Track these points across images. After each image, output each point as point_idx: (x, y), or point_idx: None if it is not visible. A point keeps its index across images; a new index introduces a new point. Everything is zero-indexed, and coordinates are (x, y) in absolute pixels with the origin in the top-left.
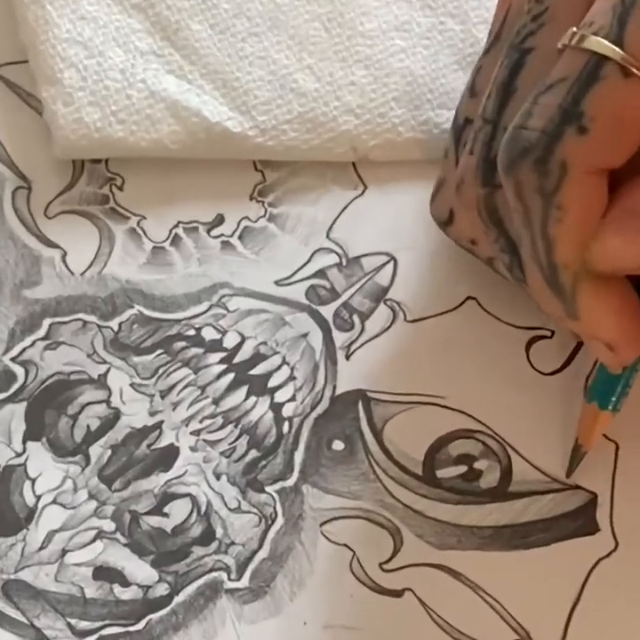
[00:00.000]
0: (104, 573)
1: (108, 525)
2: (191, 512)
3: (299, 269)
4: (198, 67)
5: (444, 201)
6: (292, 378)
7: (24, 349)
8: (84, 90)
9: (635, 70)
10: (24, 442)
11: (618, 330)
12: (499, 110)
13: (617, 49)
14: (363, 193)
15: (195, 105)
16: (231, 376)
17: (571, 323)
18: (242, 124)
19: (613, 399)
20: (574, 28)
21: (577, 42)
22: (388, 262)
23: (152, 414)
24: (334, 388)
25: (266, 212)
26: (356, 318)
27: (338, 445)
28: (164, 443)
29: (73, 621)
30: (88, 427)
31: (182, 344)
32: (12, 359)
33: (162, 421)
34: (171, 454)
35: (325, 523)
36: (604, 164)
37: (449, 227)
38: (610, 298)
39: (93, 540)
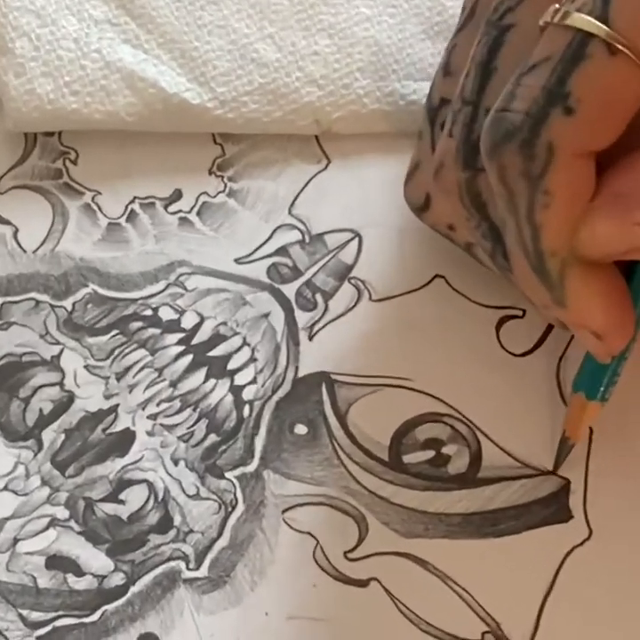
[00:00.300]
0: (57, 562)
1: (62, 513)
2: (148, 499)
3: (259, 247)
4: (155, 36)
5: (419, 185)
6: (252, 359)
7: None
8: (36, 60)
9: (621, 47)
10: None
11: (606, 317)
12: (479, 91)
13: (602, 25)
14: (326, 167)
15: (151, 76)
16: (189, 357)
17: (558, 311)
18: (200, 96)
19: (601, 389)
20: (557, 5)
21: (560, 19)
22: (352, 239)
23: (107, 397)
24: (297, 369)
25: (225, 187)
26: (319, 297)
27: (300, 429)
28: (119, 427)
29: (25, 612)
30: (41, 410)
31: (139, 324)
32: None
33: (117, 405)
34: (127, 439)
35: (287, 510)
36: (591, 145)
37: (425, 212)
38: (598, 284)
39: (46, 528)
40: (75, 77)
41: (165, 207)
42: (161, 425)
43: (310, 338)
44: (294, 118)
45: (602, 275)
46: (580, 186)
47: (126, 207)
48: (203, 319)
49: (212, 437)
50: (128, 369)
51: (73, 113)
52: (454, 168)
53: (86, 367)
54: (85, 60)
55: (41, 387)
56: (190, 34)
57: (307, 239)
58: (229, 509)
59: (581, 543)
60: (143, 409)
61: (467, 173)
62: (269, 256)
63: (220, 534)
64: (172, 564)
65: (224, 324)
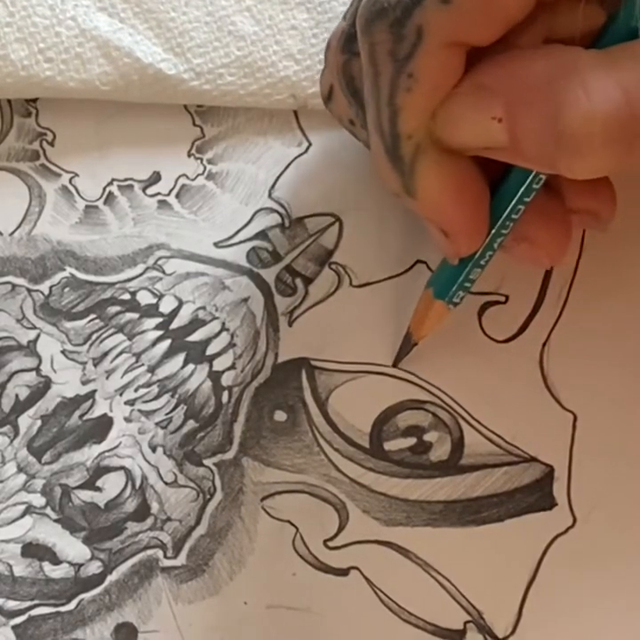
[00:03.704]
0: (33, 550)
1: (38, 500)
2: (125, 486)
3: (239, 230)
4: (131, 5)
5: (327, 74)
6: (231, 345)
7: None
8: (10, 26)
9: None
10: None
11: (454, 214)
12: None
13: None
14: (307, 150)
15: (127, 45)
16: (168, 343)
17: (408, 201)
18: (176, 67)
19: (451, 290)
20: None
21: None
22: (332, 223)
23: (84, 383)
24: (276, 355)
25: (204, 169)
26: (299, 282)
27: (280, 416)
28: (96, 413)
29: (0, 601)
30: (17, 396)
31: (116, 309)
32: None
33: (95, 390)
34: (104, 425)
35: (267, 497)
36: (463, 37)
37: (329, 103)
38: (450, 177)
39: (22, 516)
40: (49, 44)
41: (144, 190)
42: (139, 411)
43: (290, 323)
44: (271, 92)
45: (456, 169)
46: (445, 75)
47: (104, 189)
48: (181, 304)
49: (191, 424)
50: (105, 354)
51: (47, 80)
52: (336, 50)
53: (63, 352)
54: (60, 28)
55: (17, 372)
56: (167, 4)
57: (287, 223)
58: (208, 497)
59: (565, 531)
60: (121, 395)
61: (344, 56)
62: (249, 240)
63: (198, 522)
64: (150, 552)
65: (203, 308)
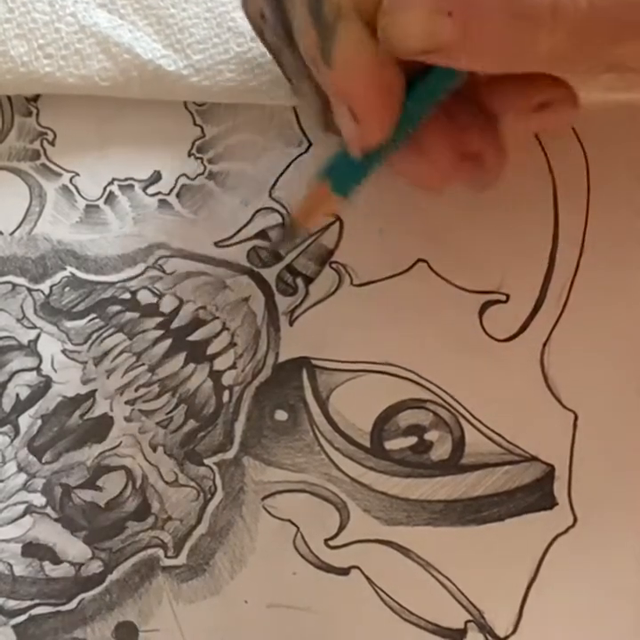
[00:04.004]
0: (34, 550)
1: (39, 499)
2: (126, 485)
3: (240, 230)
4: (131, 1)
5: None
6: (232, 344)
7: None
8: (10, 22)
9: None
10: None
11: (367, 93)
12: None
13: None
14: (307, 149)
15: (126, 41)
16: (168, 342)
17: (323, 69)
18: (176, 63)
19: (351, 186)
20: None
21: None
22: (333, 223)
23: (85, 382)
24: (277, 355)
25: (205, 169)
26: (299, 282)
27: (281, 415)
28: (97, 412)
29: (1, 600)
30: (17, 395)
31: (117, 308)
32: None
33: (95, 390)
34: (104, 424)
35: (268, 497)
36: None
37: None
38: (368, 51)
39: (23, 515)
40: (49, 40)
41: (144, 189)
42: (139, 410)
43: (291, 323)
44: (270, 88)
45: (374, 48)
46: None
47: (105, 189)
48: (182, 303)
49: (191, 423)
50: (106, 353)
51: (46, 76)
52: None
53: (64, 351)
54: (60, 24)
55: (18, 371)
56: (167, 0)
57: (287, 222)
58: (208, 496)
59: (566, 531)
60: (121, 394)
61: None
62: (250, 239)
63: (198, 521)
64: (151, 551)
65: (203, 308)
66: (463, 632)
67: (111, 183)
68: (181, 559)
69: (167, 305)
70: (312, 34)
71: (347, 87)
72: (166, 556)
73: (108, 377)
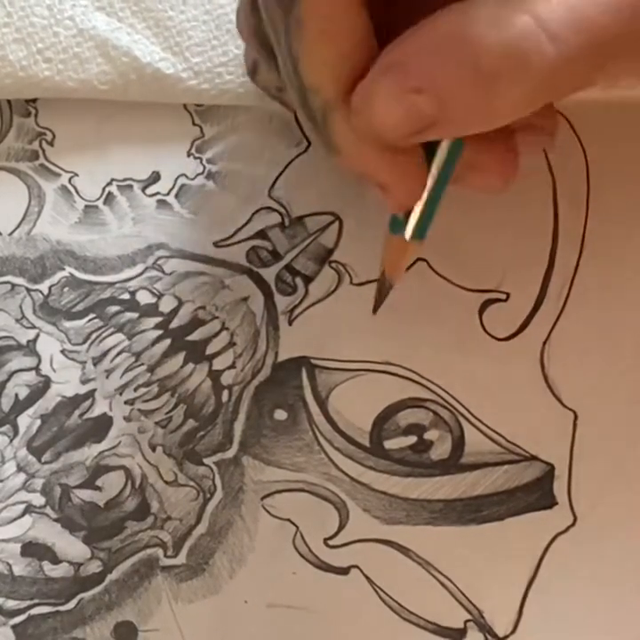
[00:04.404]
0: (33, 550)
1: (38, 499)
2: (125, 485)
3: (239, 230)
4: (129, 4)
5: (248, 51)
6: (231, 344)
7: None
8: (8, 26)
9: None
10: None
11: (382, 170)
12: None
13: None
14: (306, 149)
15: (125, 44)
16: (167, 342)
17: (335, 158)
18: (174, 66)
19: (422, 228)
20: None
21: None
22: (332, 222)
23: (84, 382)
24: (276, 354)
25: (204, 169)
26: (299, 281)
27: (280, 415)
28: (96, 412)
29: (0, 600)
30: (16, 395)
31: (116, 308)
32: None
33: (94, 390)
34: (104, 424)
35: (267, 496)
36: None
37: (256, 77)
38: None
39: (22, 515)
40: (48, 44)
41: (143, 189)
42: (138, 410)
43: (290, 322)
44: None
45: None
46: (334, 17)
47: (103, 189)
48: (181, 303)
49: (191, 423)
50: (105, 353)
51: (45, 80)
52: (246, 17)
53: (63, 351)
54: (58, 27)
55: (17, 371)
56: (165, 3)
57: (286, 222)
58: (208, 496)
59: (565, 530)
60: (120, 394)
61: (254, 19)
62: (249, 239)
63: (198, 521)
64: (150, 551)
65: (202, 308)
66: (463, 631)
67: (110, 183)
68: (181, 559)
69: (166, 305)
70: (313, 131)
71: (358, 169)
72: (166, 556)
73: (107, 377)
